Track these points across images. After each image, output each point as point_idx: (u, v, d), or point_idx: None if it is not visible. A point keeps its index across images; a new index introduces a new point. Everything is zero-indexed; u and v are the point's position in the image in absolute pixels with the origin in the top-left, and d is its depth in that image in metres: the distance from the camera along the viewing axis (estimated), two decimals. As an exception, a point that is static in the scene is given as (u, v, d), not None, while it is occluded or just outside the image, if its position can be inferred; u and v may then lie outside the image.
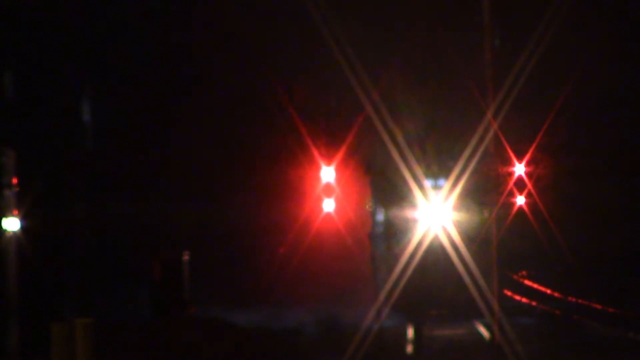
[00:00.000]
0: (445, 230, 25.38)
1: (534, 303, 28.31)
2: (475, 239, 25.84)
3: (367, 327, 24.18)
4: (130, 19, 26.87)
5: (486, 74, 26.07)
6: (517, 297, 28.40)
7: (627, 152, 27.68)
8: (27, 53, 24.58)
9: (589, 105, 27.01)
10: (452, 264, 24.90)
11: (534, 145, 26.86)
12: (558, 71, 26.37)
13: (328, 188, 27.20)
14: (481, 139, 25.45)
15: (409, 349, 24.92)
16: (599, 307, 27.08)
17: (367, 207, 27.24)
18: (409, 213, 26.23)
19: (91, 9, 26.24)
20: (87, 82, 26.57)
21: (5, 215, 23.21)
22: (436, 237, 25.39)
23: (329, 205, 27.20)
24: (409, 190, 25.65)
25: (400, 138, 25.41)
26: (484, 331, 25.85)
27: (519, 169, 27.06)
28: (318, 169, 27.13)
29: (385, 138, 25.39)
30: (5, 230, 23.17)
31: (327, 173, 27.18)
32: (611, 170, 27.29)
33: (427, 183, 25.96)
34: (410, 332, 25.40)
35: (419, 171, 25.53)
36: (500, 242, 26.37)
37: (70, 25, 25.89)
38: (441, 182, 26.13)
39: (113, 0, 26.67)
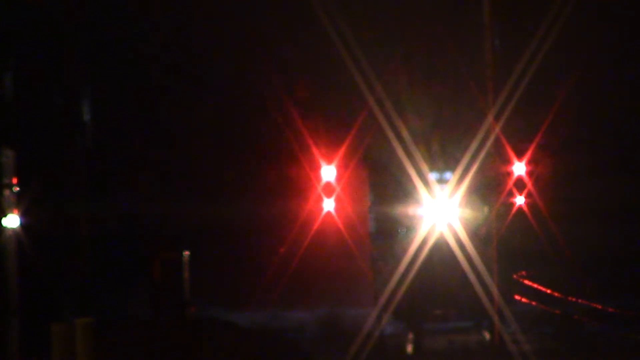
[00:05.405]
0: (450, 227, 25.28)
1: (533, 303, 28.30)
2: (482, 237, 25.78)
3: (368, 330, 24.18)
4: (129, 18, 26.85)
5: (486, 74, 26.06)
6: (518, 297, 28.39)
7: (629, 151, 27.68)
8: (27, 53, 24.55)
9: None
10: (457, 263, 24.83)
11: (534, 144, 26.86)
12: (559, 70, 26.39)
13: (328, 187, 27.17)
14: (487, 135, 25.42)
15: (410, 348, 24.92)
16: (599, 307, 27.08)
17: (368, 205, 27.21)
18: (413, 210, 26.14)
19: (91, 8, 26.23)
20: (87, 82, 26.57)
21: (5, 215, 23.24)
22: (441, 235, 25.29)
23: (329, 204, 27.18)
24: (413, 186, 25.56)
25: (403, 132, 25.34)
26: (485, 332, 25.85)
27: (523, 167, 27.06)
28: (318, 167, 27.11)
29: (388, 134, 25.33)
30: (6, 228, 23.20)
31: (328, 172, 27.16)
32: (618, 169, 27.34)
33: (432, 176, 25.79)
34: (411, 335, 25.39)
35: (423, 165, 25.40)
36: (509, 241, 26.34)
37: (70, 24, 25.89)
38: (447, 175, 26.00)
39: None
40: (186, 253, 25.85)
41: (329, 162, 27.04)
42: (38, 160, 24.37)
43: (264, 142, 27.51)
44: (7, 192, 23.28)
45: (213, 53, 27.11)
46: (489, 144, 25.46)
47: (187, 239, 26.18)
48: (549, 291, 28.69)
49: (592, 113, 27.18)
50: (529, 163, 27.03)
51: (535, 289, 28.90)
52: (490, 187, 26.36)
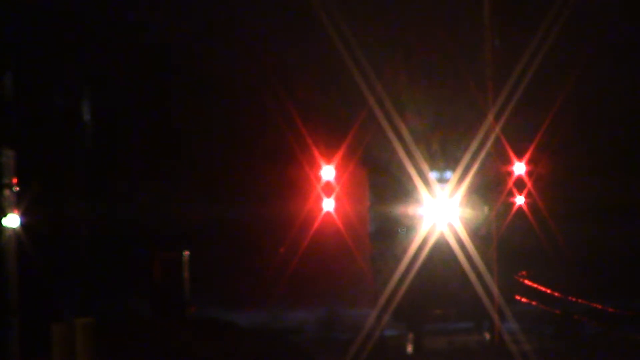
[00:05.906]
0: (451, 227, 25.23)
1: (533, 303, 28.30)
2: (482, 237, 25.74)
3: (368, 330, 24.17)
4: (129, 17, 26.86)
5: (486, 74, 26.06)
6: (518, 297, 28.40)
7: (629, 151, 27.70)
8: (27, 53, 24.56)
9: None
10: (457, 263, 24.79)
11: (534, 144, 26.86)
12: (559, 70, 26.39)
13: (328, 186, 27.17)
14: (487, 135, 25.40)
15: (410, 349, 24.90)
16: (599, 307, 27.08)
17: (367, 205, 27.18)
18: (413, 210, 26.09)
19: (91, 8, 26.24)
20: (87, 82, 26.57)
21: (5, 215, 23.22)
22: (441, 235, 25.23)
23: (329, 204, 27.17)
24: (413, 185, 25.51)
25: (403, 132, 25.31)
26: (485, 332, 25.83)
27: (523, 167, 27.06)
28: (318, 167, 27.10)
29: (388, 133, 25.30)
30: (6, 228, 23.18)
31: (327, 171, 27.15)
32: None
33: (432, 176, 25.73)
34: (411, 335, 25.35)
35: (423, 165, 25.34)
36: (509, 241, 26.30)
37: (71, 24, 25.89)
38: (447, 175, 25.95)
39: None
40: (186, 253, 25.86)
41: (329, 162, 27.03)
42: (38, 160, 24.37)
43: (264, 142, 27.51)
44: (7, 192, 23.26)
45: (213, 53, 27.11)
46: (489, 144, 25.44)
47: (187, 239, 26.19)
48: (549, 291, 28.70)
49: (592, 113, 27.19)
50: (529, 163, 27.02)
51: (535, 289, 28.91)
52: (490, 187, 26.33)
